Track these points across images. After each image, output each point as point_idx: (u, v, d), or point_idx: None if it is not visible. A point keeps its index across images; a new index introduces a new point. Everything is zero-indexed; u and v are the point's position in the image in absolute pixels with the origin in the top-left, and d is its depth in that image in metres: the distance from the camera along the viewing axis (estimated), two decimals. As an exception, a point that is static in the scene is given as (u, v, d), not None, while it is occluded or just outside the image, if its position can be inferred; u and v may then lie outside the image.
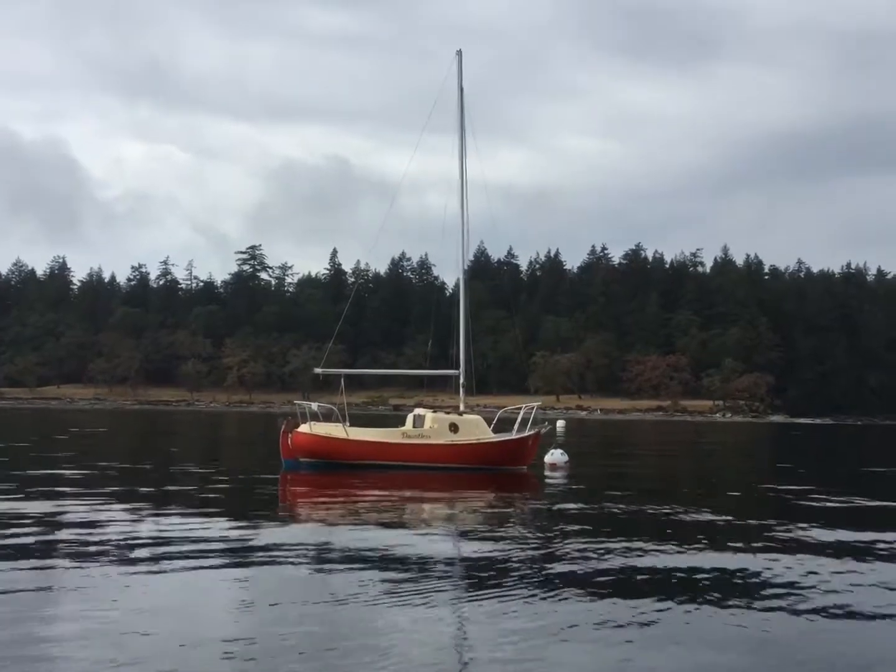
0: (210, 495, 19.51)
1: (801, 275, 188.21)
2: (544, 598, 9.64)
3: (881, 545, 13.93)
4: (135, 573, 10.46)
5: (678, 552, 12.76)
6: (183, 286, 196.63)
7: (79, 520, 14.69)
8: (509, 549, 12.74)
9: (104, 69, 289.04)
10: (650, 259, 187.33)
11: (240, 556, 11.85)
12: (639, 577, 10.96)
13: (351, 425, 27.21)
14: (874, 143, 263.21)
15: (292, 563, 11.42)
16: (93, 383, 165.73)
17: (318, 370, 31.33)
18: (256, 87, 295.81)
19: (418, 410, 28.80)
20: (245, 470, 26.09)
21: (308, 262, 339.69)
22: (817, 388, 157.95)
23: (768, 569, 11.61)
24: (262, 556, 11.79)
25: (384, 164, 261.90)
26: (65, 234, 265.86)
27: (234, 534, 13.68)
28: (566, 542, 13.48)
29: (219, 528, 14.18)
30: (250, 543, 12.89)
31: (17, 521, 14.11)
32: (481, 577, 10.78)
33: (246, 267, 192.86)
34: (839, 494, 21.73)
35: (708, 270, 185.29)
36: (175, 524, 14.50)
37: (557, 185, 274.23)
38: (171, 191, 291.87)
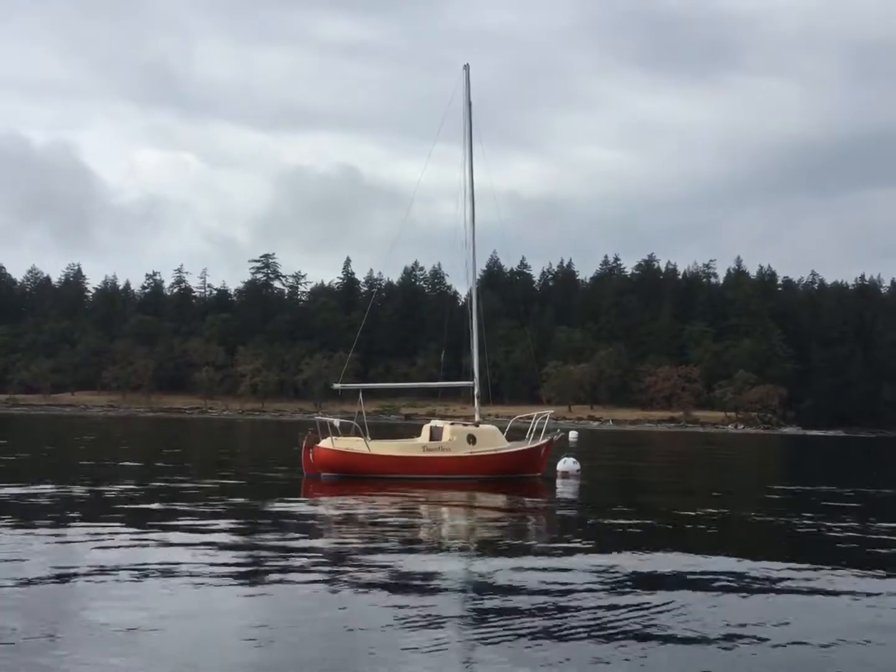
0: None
1: (815, 286, 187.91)
2: (553, 627, 9.24)
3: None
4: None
5: (693, 559, 12.82)
6: (197, 294, 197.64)
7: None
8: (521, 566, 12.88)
9: (117, 76, 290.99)
10: (663, 270, 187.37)
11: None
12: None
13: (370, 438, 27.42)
14: (889, 154, 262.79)
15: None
16: (107, 390, 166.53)
17: (337, 385, 30.89)
18: (269, 96, 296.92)
19: (435, 422, 29.01)
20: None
21: (320, 271, 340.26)
22: (830, 400, 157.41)
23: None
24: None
25: (395, 173, 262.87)
26: (79, 241, 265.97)
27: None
28: (576, 558, 13.56)
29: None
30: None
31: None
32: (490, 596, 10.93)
33: (259, 275, 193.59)
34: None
35: (721, 281, 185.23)
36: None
37: (571, 194, 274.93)
38: (185, 198, 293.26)
